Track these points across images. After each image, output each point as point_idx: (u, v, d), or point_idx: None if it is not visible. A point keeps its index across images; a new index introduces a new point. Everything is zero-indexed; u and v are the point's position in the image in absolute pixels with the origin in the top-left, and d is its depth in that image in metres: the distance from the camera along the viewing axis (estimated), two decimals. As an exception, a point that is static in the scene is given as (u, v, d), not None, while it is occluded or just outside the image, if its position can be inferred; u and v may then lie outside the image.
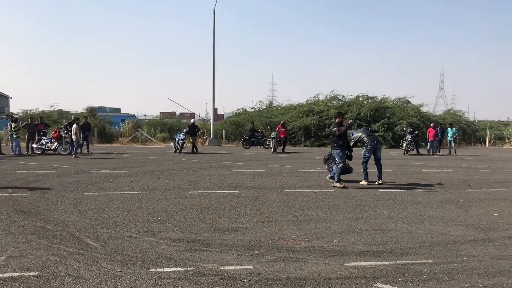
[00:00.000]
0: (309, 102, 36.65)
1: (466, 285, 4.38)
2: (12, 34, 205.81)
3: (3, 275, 4.41)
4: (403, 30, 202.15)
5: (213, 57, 30.89)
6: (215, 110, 33.51)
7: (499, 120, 54.25)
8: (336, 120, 11.34)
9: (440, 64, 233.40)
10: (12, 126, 20.73)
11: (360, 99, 35.28)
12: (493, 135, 36.63)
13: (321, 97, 36.62)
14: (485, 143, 35.19)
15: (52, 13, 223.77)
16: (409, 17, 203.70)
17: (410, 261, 5.12)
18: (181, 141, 21.96)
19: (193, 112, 71.65)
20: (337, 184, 10.80)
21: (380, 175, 11.52)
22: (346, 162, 12.13)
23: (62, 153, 20.47)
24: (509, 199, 9.44)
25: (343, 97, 35.91)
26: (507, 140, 35.06)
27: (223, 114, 69.97)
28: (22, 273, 4.47)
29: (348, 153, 11.88)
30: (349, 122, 12.11)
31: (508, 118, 54.71)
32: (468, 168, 16.17)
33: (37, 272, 4.51)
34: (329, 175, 11.96)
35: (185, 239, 5.94)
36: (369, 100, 34.90)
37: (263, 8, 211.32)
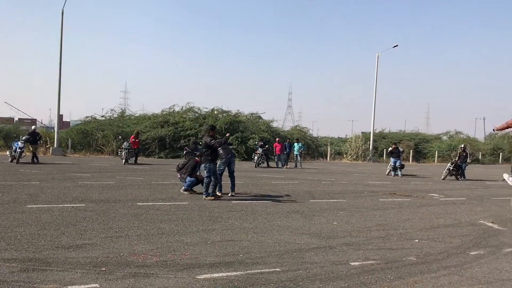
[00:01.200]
0: (165, 113, 36.23)
1: (310, 291, 4.65)
2: None
3: None
4: (256, 47, 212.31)
5: (60, 60, 28.62)
6: (60, 116, 31.03)
7: (338, 137, 60.08)
8: (210, 133, 11.33)
9: (288, 83, 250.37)
10: None
11: (215, 112, 36.00)
12: (333, 150, 40.36)
13: (177, 109, 36.50)
14: (326, 158, 38.51)
15: None
16: (260, 33, 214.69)
17: (259, 271, 5.27)
18: (19, 150, 19.83)
19: (34, 118, 65.56)
20: (208, 198, 10.83)
21: (233, 187, 11.79)
22: (199, 173, 12.20)
23: None
24: (346, 208, 10.40)
25: (199, 109, 36.27)
26: (344, 155, 38.85)
27: (69, 122, 65.48)
28: None
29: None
30: (227, 135, 12.20)
31: (346, 135, 60.80)
32: (312, 180, 17.47)
33: None
34: (184, 187, 11.88)
35: (21, 259, 5.31)
36: (224, 114, 35.80)
37: (110, 11, 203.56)
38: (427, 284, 5.08)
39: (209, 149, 11.02)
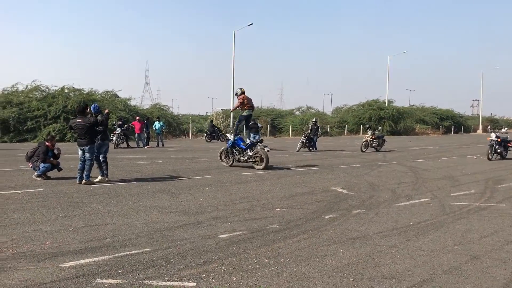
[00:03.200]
0: (6, 92, 32.67)
1: (182, 266, 4.73)
2: None
3: None
4: (108, 21, 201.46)
5: None
6: None
7: (199, 114, 60.55)
8: (87, 112, 10.54)
9: (145, 60, 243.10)
10: None
11: (66, 91, 33.54)
12: (195, 128, 40.57)
13: (21, 87, 33.20)
14: (189, 135, 38.60)
15: None
16: (114, 13, 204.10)
17: (129, 252, 5.19)
18: None
19: None
20: (98, 179, 10.47)
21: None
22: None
23: None
24: (212, 184, 10.64)
25: (47, 88, 33.45)
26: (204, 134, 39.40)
27: None
28: None
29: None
30: (106, 111, 11.29)
31: (207, 112, 61.66)
32: (175, 159, 17.43)
33: None
34: (37, 173, 10.97)
35: None
36: (76, 93, 33.57)
37: None
38: (290, 248, 5.51)
39: (94, 128, 10.41)
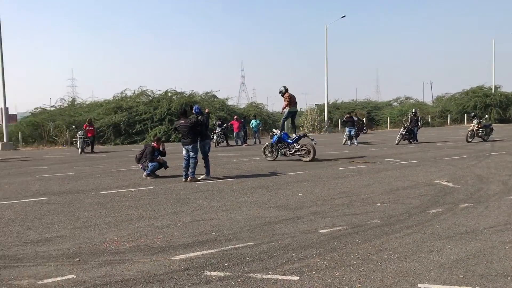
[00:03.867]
0: (117, 98, 35.40)
1: (284, 260, 4.83)
2: None
3: None
4: (203, 26, 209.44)
5: (1, 52, 27.28)
6: (6, 109, 29.71)
7: (294, 111, 60.50)
8: (205, 111, 11.57)
9: (240, 59, 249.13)
10: None
11: (169, 94, 35.50)
12: (289, 125, 40.71)
13: (129, 93, 35.76)
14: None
15: None
16: (206, 11, 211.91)
17: (233, 246, 5.41)
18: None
19: (-21, 113, 62.66)
20: (202, 177, 10.96)
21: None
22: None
23: None
24: (309, 179, 10.68)
25: (152, 92, 35.67)
26: (301, 128, 39.41)
27: (16, 115, 62.84)
28: None
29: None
30: (206, 110, 12.14)
31: (301, 108, 61.36)
32: (272, 155, 17.68)
33: None
34: (146, 172, 11.80)
35: (-11, 258, 5.21)
36: (178, 96, 35.38)
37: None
38: (393, 244, 5.37)
39: (197, 128, 10.99)
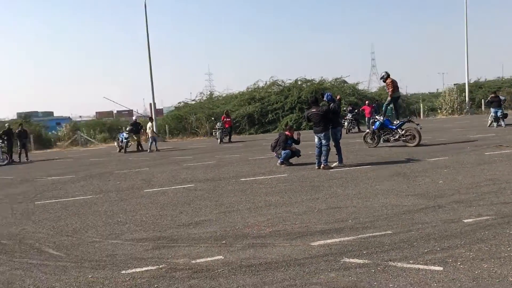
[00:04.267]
0: (250, 89, 36.87)
1: (426, 250, 4.70)
2: None
3: (-34, 297, 4.23)
4: (335, 10, 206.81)
5: (149, 51, 30.21)
6: (154, 105, 32.85)
7: (429, 92, 57.06)
8: (337, 98, 11.74)
9: (370, 42, 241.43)
10: None
11: (299, 82, 35.92)
12: (426, 107, 38.53)
13: (261, 84, 36.97)
14: (419, 115, 36.94)
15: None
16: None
17: (371, 234, 5.40)
18: (125, 140, 21.48)
19: (131, 109, 69.91)
20: (335, 164, 11.06)
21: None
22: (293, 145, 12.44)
23: (0, 163, 19.45)
24: (450, 166, 10.07)
25: (283, 82, 36.44)
26: (439, 111, 37.00)
27: (162, 109, 68.87)
28: (-13, 292, 4.31)
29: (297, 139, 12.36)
30: (337, 97, 12.34)
31: (438, 89, 57.48)
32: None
33: (3, 289, 4.36)
34: (280, 160, 12.19)
35: (150, 238, 5.92)
36: (308, 83, 35.62)
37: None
38: (551, 236, 4.89)
39: (328, 115, 11.06)
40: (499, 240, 4.86)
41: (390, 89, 14.81)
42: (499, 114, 20.31)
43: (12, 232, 6.73)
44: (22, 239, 6.25)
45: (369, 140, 15.47)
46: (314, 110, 11.06)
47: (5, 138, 20.35)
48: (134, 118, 26.07)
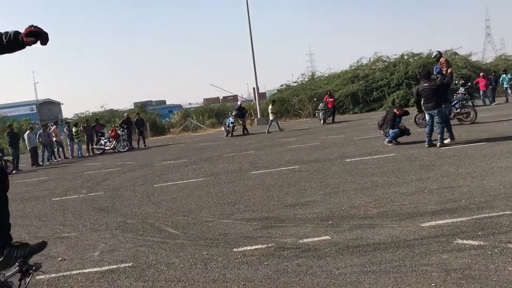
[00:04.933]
0: (353, 67, 35.95)
1: (551, 232, 4.34)
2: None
3: (102, 269, 4.78)
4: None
5: (251, 38, 30.77)
6: (257, 89, 33.57)
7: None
8: (449, 71, 11.58)
9: (483, 8, 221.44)
10: (73, 130, 21.96)
11: (406, 57, 34.19)
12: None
13: (364, 61, 35.85)
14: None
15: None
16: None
17: (487, 215, 5.10)
18: (232, 125, 22.29)
19: (235, 94, 72.10)
20: (447, 141, 10.58)
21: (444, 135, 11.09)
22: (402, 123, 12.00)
23: (121, 150, 21.34)
24: None
25: (388, 57, 34.95)
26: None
27: (265, 93, 70.05)
28: (118, 265, 4.83)
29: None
30: (449, 70, 12.02)
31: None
32: (530, 114, 15.50)
33: (131, 263, 4.85)
34: (387, 139, 11.85)
35: (259, 218, 6.16)
36: (415, 57, 33.81)
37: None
38: None
39: (440, 90, 10.59)
40: None
41: (445, 69, 13.76)
42: None
43: (135, 212, 7.42)
44: (144, 219, 6.87)
45: (421, 121, 14.48)
46: (427, 84, 10.51)
47: (124, 126, 22.22)
48: (239, 103, 26.94)
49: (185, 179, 10.33)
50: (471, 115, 14.55)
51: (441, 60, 14.14)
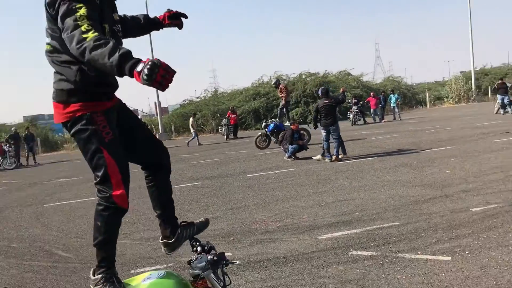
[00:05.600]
0: (254, 85, 36.78)
1: (433, 240, 4.69)
2: None
3: (-21, 301, 4.28)
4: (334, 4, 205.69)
5: (151, 48, 30.24)
6: (159, 103, 32.91)
7: (435, 81, 56.59)
8: (341, 90, 12.07)
9: (374, 33, 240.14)
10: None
11: (304, 76, 35.79)
12: (432, 96, 38.29)
13: (266, 79, 36.85)
14: (426, 105, 36.74)
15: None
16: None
17: (378, 226, 5.39)
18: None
19: (135, 108, 70.03)
20: (340, 156, 11.11)
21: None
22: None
23: (8, 167, 19.66)
24: (457, 155, 10.03)
25: (287, 76, 36.28)
26: (445, 100, 36.74)
27: (167, 107, 68.88)
28: (-1, 295, 4.36)
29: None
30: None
31: (444, 78, 56.94)
32: (414, 131, 16.92)
33: (14, 292, 4.40)
34: (287, 154, 12.18)
35: (158, 237, 5.91)
36: (312, 77, 35.49)
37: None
38: (560, 222, 4.86)
39: (336, 108, 11.23)
40: (507, 227, 4.84)
41: (284, 95, 15.44)
42: (505, 100, 20.17)
43: (22, 235, 6.79)
44: (31, 242, 6.31)
45: (261, 144, 15.48)
46: (327, 101, 11.02)
47: (12, 142, 20.52)
48: (139, 117, 26.18)
49: (79, 198, 9.71)
50: (306, 136, 14.42)
51: (280, 86, 15.59)
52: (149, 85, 1.70)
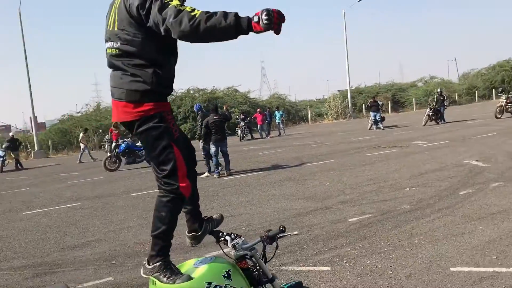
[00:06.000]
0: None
1: (315, 252, 4.88)
2: None
3: None
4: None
5: (26, 60, 27.94)
6: (35, 118, 30.50)
7: (316, 99, 60.10)
8: (224, 107, 11.80)
9: (259, 51, 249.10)
10: None
11: (192, 92, 35.77)
12: (313, 113, 40.58)
13: (151, 94, 36.10)
14: (308, 121, 38.79)
15: None
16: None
17: (264, 240, 5.46)
18: (1, 159, 19.61)
19: (8, 124, 64.15)
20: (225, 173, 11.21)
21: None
22: None
23: None
24: (336, 168, 10.66)
25: (174, 91, 35.93)
26: (325, 116, 39.13)
27: (45, 123, 64.24)
28: None
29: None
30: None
31: (324, 96, 60.74)
32: (298, 146, 17.71)
33: None
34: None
35: (30, 265, 5.42)
36: (200, 93, 35.62)
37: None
38: (423, 228, 5.35)
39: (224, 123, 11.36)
40: (379, 236, 5.21)
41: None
42: (377, 117, 22.02)
43: None
44: None
45: (108, 164, 15.32)
46: (217, 117, 11.04)
47: None
48: (11, 134, 23.95)
49: None
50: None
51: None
52: (270, 29, 1.89)
